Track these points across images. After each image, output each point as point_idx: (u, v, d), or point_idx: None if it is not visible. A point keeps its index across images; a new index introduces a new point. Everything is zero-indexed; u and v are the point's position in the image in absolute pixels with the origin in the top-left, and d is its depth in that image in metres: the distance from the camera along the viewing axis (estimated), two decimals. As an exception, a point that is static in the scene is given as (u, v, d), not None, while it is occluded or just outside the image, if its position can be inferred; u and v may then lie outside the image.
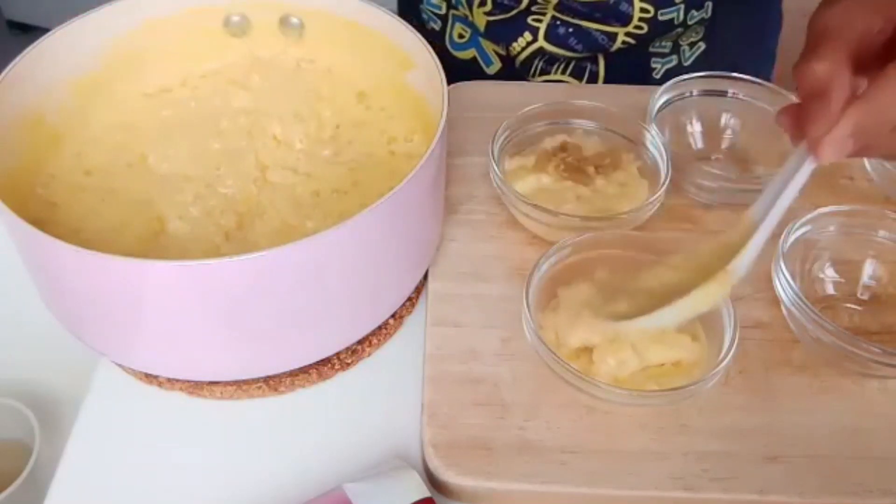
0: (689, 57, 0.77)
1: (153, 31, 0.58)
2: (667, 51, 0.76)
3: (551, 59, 0.77)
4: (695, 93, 0.63)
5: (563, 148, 0.58)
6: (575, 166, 0.57)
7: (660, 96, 0.61)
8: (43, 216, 0.50)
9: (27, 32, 2.04)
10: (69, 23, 0.53)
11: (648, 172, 0.58)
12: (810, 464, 0.46)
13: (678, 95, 0.62)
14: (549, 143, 0.59)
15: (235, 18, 0.60)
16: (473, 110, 0.66)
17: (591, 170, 0.57)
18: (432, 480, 0.46)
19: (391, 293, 0.51)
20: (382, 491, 0.43)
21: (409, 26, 0.54)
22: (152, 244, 0.49)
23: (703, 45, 0.76)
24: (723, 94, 0.63)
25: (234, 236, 0.50)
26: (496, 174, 0.55)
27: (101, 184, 0.53)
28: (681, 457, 0.46)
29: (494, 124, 0.58)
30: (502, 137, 0.58)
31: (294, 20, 0.60)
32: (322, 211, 0.51)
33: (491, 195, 0.60)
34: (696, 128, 0.64)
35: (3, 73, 0.49)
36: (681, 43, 0.76)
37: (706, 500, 0.45)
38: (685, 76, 0.62)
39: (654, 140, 0.58)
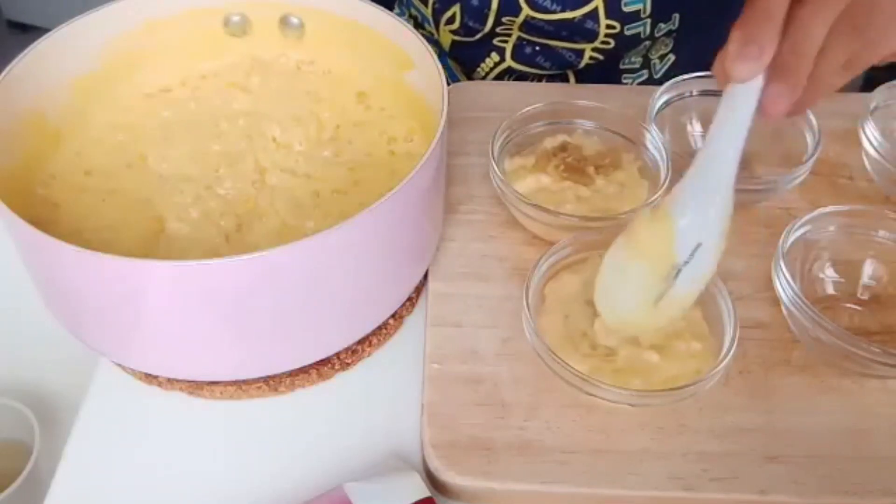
0: (660, 69, 0.77)
1: (153, 32, 0.58)
2: (637, 66, 0.76)
3: (521, 77, 0.77)
4: (695, 93, 0.63)
5: (563, 148, 0.58)
6: (575, 166, 0.57)
7: (660, 96, 0.61)
8: (43, 216, 0.50)
9: (27, 32, 2.04)
10: (69, 23, 0.53)
11: (648, 172, 0.58)
12: (810, 464, 0.46)
13: (678, 95, 0.62)
14: (549, 143, 0.59)
15: (235, 18, 0.60)
16: (473, 110, 0.66)
17: (591, 170, 0.57)
18: (432, 480, 0.46)
19: (391, 293, 0.51)
20: (382, 491, 0.43)
21: (409, 26, 0.54)
22: (152, 245, 0.49)
23: (672, 57, 0.76)
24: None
25: (234, 238, 0.50)
26: (496, 174, 0.55)
27: (102, 184, 0.53)
28: (681, 457, 0.46)
29: (494, 124, 0.58)
30: (502, 137, 0.58)
31: (294, 20, 0.60)
32: (322, 211, 0.51)
33: (491, 195, 0.59)
34: (696, 128, 0.64)
35: (4, 73, 0.49)
36: (651, 56, 0.76)
37: (706, 500, 0.45)
38: (685, 76, 0.62)
39: (654, 140, 0.58)
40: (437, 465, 0.45)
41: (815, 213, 0.53)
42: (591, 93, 0.68)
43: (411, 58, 0.54)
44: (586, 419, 0.47)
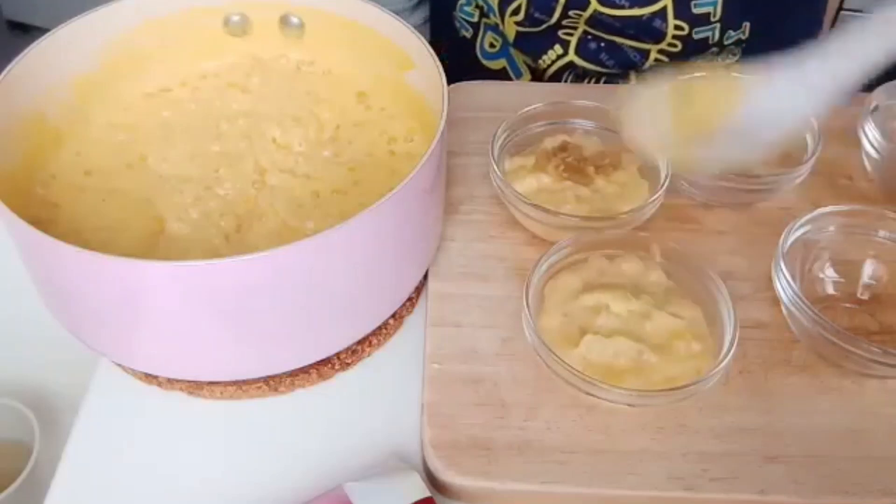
0: None
1: (153, 31, 0.58)
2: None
3: (581, 75, 0.76)
4: (695, 93, 0.63)
5: (563, 148, 0.58)
6: (575, 166, 0.57)
7: (660, 96, 0.61)
8: (43, 216, 0.50)
9: (27, 32, 2.04)
10: (69, 22, 0.53)
11: (648, 172, 0.58)
12: (810, 464, 0.46)
13: (678, 95, 0.62)
14: (549, 143, 0.59)
15: (235, 18, 0.60)
16: (473, 110, 0.66)
17: (591, 170, 0.57)
18: (432, 480, 0.46)
19: (391, 293, 0.51)
20: (382, 491, 0.43)
21: (409, 26, 0.54)
22: (152, 246, 0.49)
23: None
24: (723, 94, 0.63)
25: (234, 238, 0.50)
26: (496, 174, 0.55)
27: (102, 184, 0.53)
28: (681, 457, 0.46)
29: (494, 124, 0.58)
30: (502, 137, 0.58)
31: (294, 20, 0.60)
32: (322, 212, 0.51)
33: (491, 195, 0.59)
34: (696, 128, 0.64)
35: (4, 72, 0.49)
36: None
37: (706, 500, 0.45)
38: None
39: (654, 140, 0.58)
40: (437, 465, 0.46)
41: (815, 213, 0.53)
42: (592, 93, 0.68)
43: (411, 57, 0.54)
44: (586, 419, 0.47)
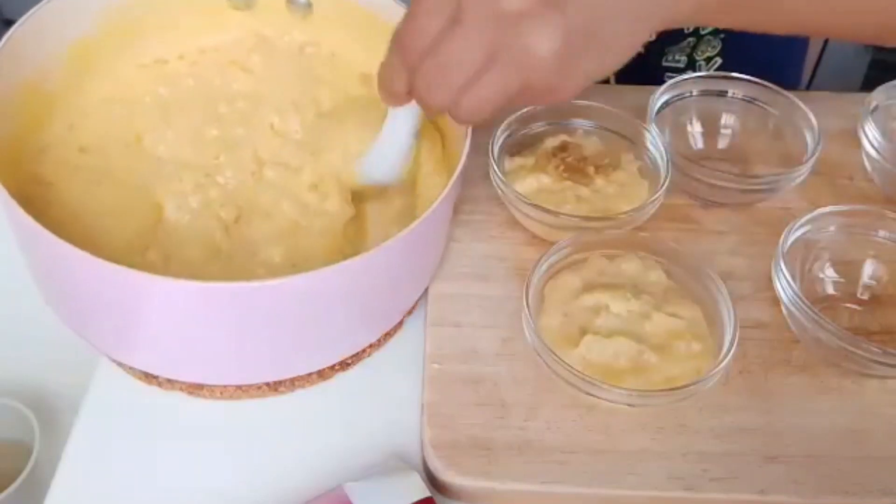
0: (706, 72, 0.76)
1: (152, 0, 0.56)
2: (682, 65, 0.75)
3: None
4: (695, 93, 0.63)
5: (563, 148, 0.58)
6: (575, 166, 0.57)
7: (660, 96, 0.61)
8: (36, 194, 0.49)
9: (27, 32, 2.04)
10: None
11: (648, 172, 0.58)
12: (810, 464, 0.46)
13: (678, 95, 0.62)
14: (550, 143, 0.59)
15: None
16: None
17: (591, 170, 0.57)
18: (432, 480, 0.46)
19: (399, 304, 0.51)
20: (382, 491, 0.43)
21: None
22: (150, 235, 0.49)
23: (719, 60, 0.75)
24: (723, 94, 0.63)
25: (233, 230, 0.50)
26: (496, 174, 0.55)
27: (97, 163, 0.52)
28: (681, 457, 0.46)
29: (494, 124, 0.58)
30: (502, 137, 0.58)
31: None
32: (322, 208, 0.51)
33: (491, 195, 0.59)
34: (696, 128, 0.64)
35: (2, 41, 0.48)
36: (696, 57, 0.74)
37: (706, 500, 0.45)
38: (685, 76, 0.62)
39: (654, 140, 0.58)
40: (437, 465, 0.46)
41: (815, 213, 0.53)
42: (591, 93, 0.68)
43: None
44: (586, 419, 0.47)
